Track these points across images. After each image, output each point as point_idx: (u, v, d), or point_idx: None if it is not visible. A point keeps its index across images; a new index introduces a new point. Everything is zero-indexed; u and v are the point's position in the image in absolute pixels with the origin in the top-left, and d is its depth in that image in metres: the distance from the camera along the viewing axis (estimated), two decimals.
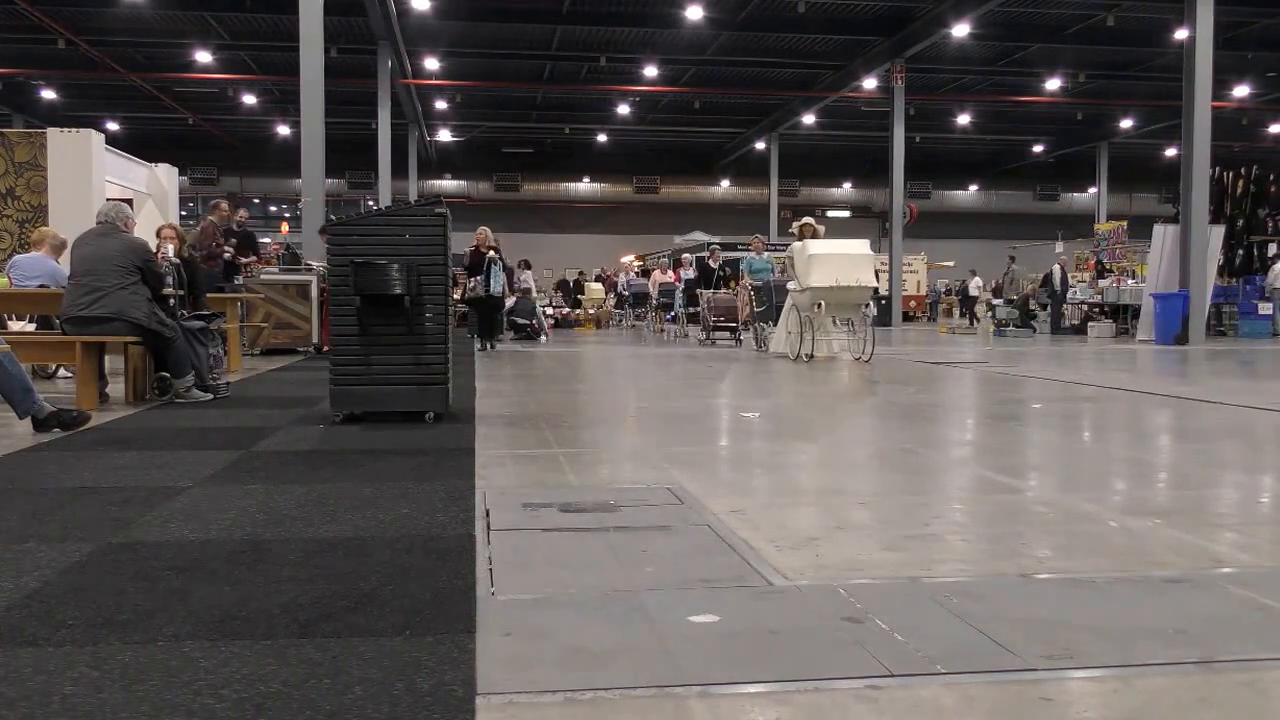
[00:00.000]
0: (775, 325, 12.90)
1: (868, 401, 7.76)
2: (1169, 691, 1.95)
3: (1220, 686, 1.98)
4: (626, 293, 22.87)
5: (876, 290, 12.17)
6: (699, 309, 16.52)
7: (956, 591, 2.58)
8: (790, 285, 12.11)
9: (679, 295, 18.93)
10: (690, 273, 19.22)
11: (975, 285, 28.83)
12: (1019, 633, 2.25)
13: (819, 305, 11.29)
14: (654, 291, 20.62)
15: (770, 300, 13.49)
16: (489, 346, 13.77)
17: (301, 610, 2.38)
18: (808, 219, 12.67)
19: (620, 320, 24.15)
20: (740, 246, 24.09)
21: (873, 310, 11.85)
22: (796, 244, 11.93)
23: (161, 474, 4.21)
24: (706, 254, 18.39)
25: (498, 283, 13.58)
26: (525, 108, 33.47)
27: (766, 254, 15.65)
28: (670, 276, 20.70)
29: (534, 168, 40.17)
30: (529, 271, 22.07)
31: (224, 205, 11.95)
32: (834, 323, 11.89)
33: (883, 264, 23.57)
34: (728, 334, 15.87)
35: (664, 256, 27.56)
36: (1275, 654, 2.14)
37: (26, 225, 10.64)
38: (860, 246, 12.01)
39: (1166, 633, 2.27)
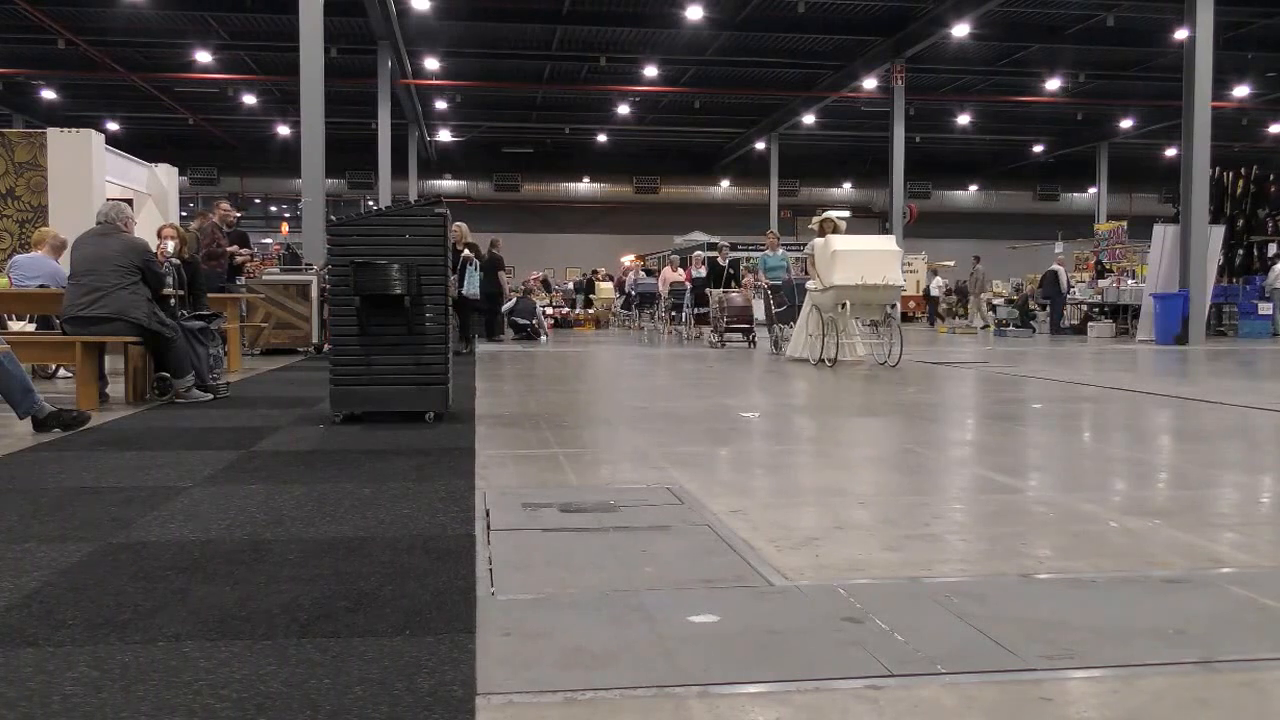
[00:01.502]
0: (794, 327, 12.25)
1: (869, 401, 7.75)
2: (1169, 691, 1.95)
3: (1220, 686, 1.98)
4: (633, 292, 21.88)
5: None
6: (708, 309, 16.00)
7: (956, 591, 2.58)
8: (810, 284, 11.41)
9: (689, 295, 18.41)
10: (701, 271, 18.58)
11: (936, 285, 29.03)
12: (1019, 633, 2.25)
13: (843, 305, 10.63)
14: (664, 291, 20.09)
15: (792, 300, 12.76)
16: (462, 350, 12.77)
17: (301, 610, 2.38)
18: (829, 213, 11.88)
19: (625, 321, 23.37)
20: (741, 247, 23.99)
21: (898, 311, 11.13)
22: (818, 240, 11.20)
23: (161, 474, 4.21)
24: (715, 253, 18.05)
25: (472, 285, 12.86)
26: (525, 108, 33.48)
27: (781, 251, 15.11)
28: (681, 275, 20.26)
29: (534, 168, 40.18)
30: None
31: (223, 205, 12.06)
32: (860, 324, 11.30)
33: None
34: (740, 335, 15.30)
35: (674, 254, 27.11)
36: (1275, 654, 2.14)
37: (26, 225, 10.64)
38: (887, 242, 11.28)
39: (1166, 633, 2.27)
